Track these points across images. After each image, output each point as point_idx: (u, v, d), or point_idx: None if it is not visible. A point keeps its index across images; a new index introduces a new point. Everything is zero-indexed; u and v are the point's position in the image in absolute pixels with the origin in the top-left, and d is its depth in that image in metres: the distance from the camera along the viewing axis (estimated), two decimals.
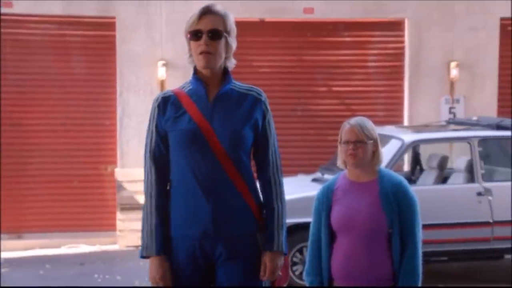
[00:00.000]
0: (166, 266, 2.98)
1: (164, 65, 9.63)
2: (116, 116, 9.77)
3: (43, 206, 9.68)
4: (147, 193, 3.05)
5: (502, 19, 10.01)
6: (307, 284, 3.46)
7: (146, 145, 3.08)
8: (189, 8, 9.21)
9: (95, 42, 9.83)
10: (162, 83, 9.63)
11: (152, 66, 9.69)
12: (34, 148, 9.70)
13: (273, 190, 3.05)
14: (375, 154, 3.36)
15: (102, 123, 9.86)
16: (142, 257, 3.03)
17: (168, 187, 3.04)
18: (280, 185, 3.07)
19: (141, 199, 9.21)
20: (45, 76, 9.75)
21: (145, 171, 3.07)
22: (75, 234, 9.60)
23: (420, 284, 3.30)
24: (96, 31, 9.82)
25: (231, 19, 3.03)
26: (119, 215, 9.51)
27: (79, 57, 9.87)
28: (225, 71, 3.05)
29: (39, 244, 9.37)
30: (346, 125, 3.37)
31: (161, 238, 2.99)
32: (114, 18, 9.72)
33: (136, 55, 9.70)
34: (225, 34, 2.98)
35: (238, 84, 3.09)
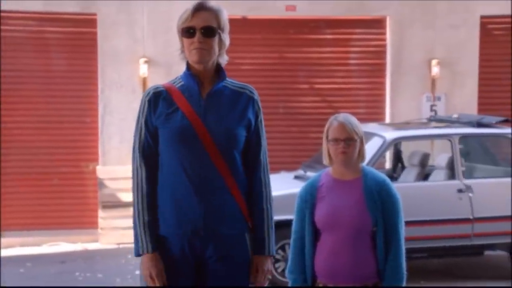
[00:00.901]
0: (161, 263, 2.95)
1: (146, 62, 9.59)
2: (98, 114, 9.72)
3: (24, 204, 9.61)
4: (138, 191, 2.99)
5: (482, 17, 10.08)
6: (290, 282, 3.45)
7: (135, 141, 3.02)
8: (171, 5, 9.18)
9: (76, 39, 9.77)
10: (144, 81, 9.60)
11: (134, 64, 9.65)
12: (15, 145, 9.62)
13: (263, 191, 3.03)
14: (360, 151, 3.36)
15: (83, 120, 9.81)
16: (138, 255, 2.98)
17: (156, 185, 3.00)
18: (269, 187, 3.07)
19: (123, 196, 9.17)
20: (26, 73, 9.68)
21: (134, 167, 3.01)
22: (56, 232, 9.53)
23: (405, 282, 3.31)
24: (77, 28, 9.75)
25: (225, 15, 2.99)
26: (100, 213, 9.45)
27: (60, 54, 9.80)
28: (218, 68, 3.02)
29: (19, 242, 9.30)
30: (335, 122, 3.34)
31: (154, 235, 2.96)
32: (95, 15, 9.66)
33: (118, 52, 9.65)
34: (218, 31, 2.94)
35: (230, 81, 3.05)
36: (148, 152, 2.99)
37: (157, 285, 2.92)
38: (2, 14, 9.42)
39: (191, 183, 2.92)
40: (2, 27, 9.48)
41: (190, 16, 2.92)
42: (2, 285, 7.10)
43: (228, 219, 2.95)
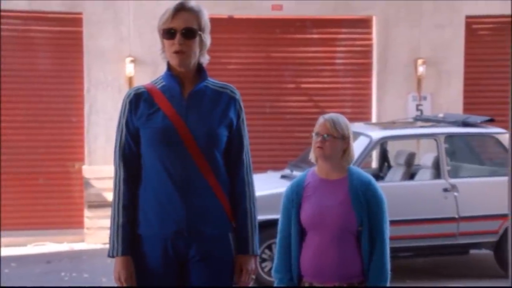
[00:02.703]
0: (131, 267, 2.94)
1: (132, 61, 9.56)
2: (84, 113, 9.68)
3: (9, 204, 9.54)
4: (115, 191, 3.00)
5: (467, 17, 10.14)
6: (276, 282, 3.46)
7: (116, 142, 3.02)
8: (157, 4, 9.16)
9: (62, 38, 9.73)
10: (130, 80, 9.57)
11: (120, 63, 9.61)
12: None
13: (246, 191, 3.02)
14: (346, 152, 3.37)
15: (69, 120, 9.77)
16: (110, 256, 2.99)
17: (138, 186, 2.99)
18: (252, 186, 3.06)
19: (109, 196, 9.13)
20: (11, 72, 9.61)
21: (114, 168, 3.03)
22: (41, 232, 9.48)
23: (389, 282, 3.32)
24: (62, 27, 9.71)
25: (206, 16, 2.98)
26: (86, 213, 9.42)
27: (45, 53, 9.75)
28: (200, 68, 3.01)
29: (4, 242, 9.23)
30: (321, 119, 3.39)
31: (128, 238, 2.95)
32: (81, 14, 9.62)
33: (104, 51, 9.61)
34: (199, 32, 2.93)
35: (212, 81, 3.04)
36: (128, 154, 2.99)
37: (125, 286, 2.91)
38: None
39: (174, 184, 2.91)
40: None
41: (171, 17, 2.91)
42: (2, 285, 7.06)
43: (211, 219, 2.94)
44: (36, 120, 9.69)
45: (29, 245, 9.30)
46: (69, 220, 9.67)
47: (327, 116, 3.40)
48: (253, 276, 3.05)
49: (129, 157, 2.99)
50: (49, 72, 9.74)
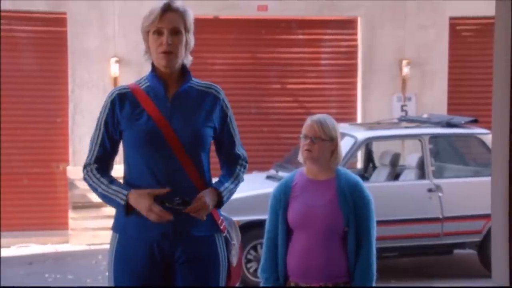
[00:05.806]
0: (142, 190, 2.85)
1: (117, 61, 9.53)
2: (68, 113, 9.64)
3: None
4: (91, 182, 2.96)
5: (451, 18, 10.21)
6: (262, 281, 3.46)
7: (91, 139, 3.02)
8: (142, 4, 9.14)
9: (46, 38, 9.68)
10: (115, 80, 9.53)
11: (105, 63, 9.58)
12: None
13: (236, 169, 3.07)
14: (334, 153, 3.38)
15: (53, 120, 9.72)
16: (126, 211, 2.88)
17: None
18: (241, 178, 3.09)
19: (93, 197, 9.09)
20: None
21: (85, 166, 2.99)
22: (25, 233, 9.43)
23: (374, 282, 3.33)
24: (47, 26, 9.66)
25: (191, 16, 2.98)
26: (71, 214, 9.37)
27: (29, 53, 9.70)
28: (184, 69, 3.01)
29: None
30: (308, 121, 3.41)
31: (119, 184, 2.92)
32: (65, 13, 9.58)
33: (89, 51, 9.58)
34: (185, 32, 2.94)
35: (196, 81, 3.04)
36: (101, 154, 2.98)
37: (158, 210, 2.80)
38: None
39: (159, 185, 2.89)
40: None
41: (158, 17, 2.91)
42: (2, 285, 7.01)
43: (197, 221, 2.92)
44: (20, 121, 9.63)
45: (12, 246, 9.24)
46: (53, 221, 9.62)
47: (314, 117, 3.40)
48: (206, 212, 2.88)
49: (102, 158, 2.98)
50: (33, 72, 9.69)
